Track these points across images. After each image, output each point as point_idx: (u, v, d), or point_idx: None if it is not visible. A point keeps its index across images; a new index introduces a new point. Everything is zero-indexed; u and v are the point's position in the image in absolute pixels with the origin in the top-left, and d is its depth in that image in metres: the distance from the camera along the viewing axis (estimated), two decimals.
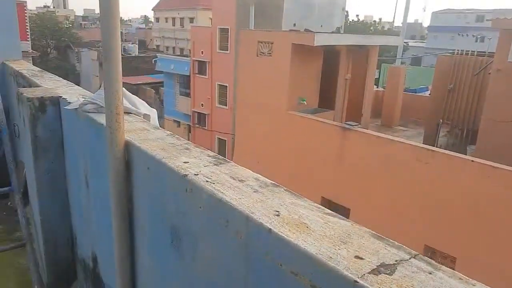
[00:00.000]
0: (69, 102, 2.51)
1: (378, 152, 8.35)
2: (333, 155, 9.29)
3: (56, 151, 2.75)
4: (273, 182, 1.32)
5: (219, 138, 27.64)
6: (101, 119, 2.08)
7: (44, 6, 66.54)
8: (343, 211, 9.51)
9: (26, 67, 4.11)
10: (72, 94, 2.72)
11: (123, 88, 2.34)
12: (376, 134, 8.40)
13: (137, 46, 39.58)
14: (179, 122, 31.01)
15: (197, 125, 29.12)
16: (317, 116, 9.77)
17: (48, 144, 2.71)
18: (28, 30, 33.57)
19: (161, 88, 32.28)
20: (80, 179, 2.52)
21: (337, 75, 10.70)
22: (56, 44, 44.61)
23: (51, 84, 3.22)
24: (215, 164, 1.45)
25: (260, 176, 1.35)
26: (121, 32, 48.27)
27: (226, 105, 26.25)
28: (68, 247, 2.97)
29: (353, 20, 47.32)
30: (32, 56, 34.35)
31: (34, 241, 3.04)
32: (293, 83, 9.86)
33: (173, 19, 43.18)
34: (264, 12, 24.14)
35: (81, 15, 69.72)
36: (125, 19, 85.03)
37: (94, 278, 2.57)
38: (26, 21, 33.45)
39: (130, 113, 2.23)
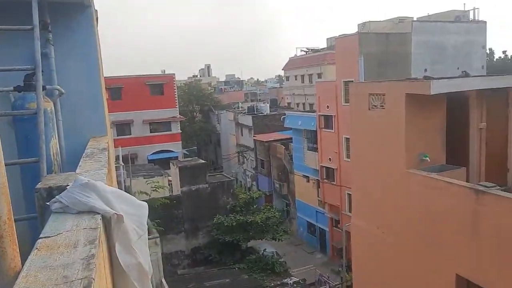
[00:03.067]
0: None
1: None
2: (467, 223, 7.62)
3: None
4: None
5: (349, 194, 26.26)
6: (56, 221, 1.74)
7: (193, 76, 76.03)
8: None
9: (96, 145, 4.20)
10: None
11: (96, 182, 2.00)
12: None
13: (268, 105, 41.52)
14: (308, 177, 30.67)
15: (325, 180, 28.33)
16: (444, 175, 8.26)
17: None
18: (176, 98, 38.45)
19: (290, 144, 32.74)
20: None
21: (468, 125, 9.06)
22: (200, 108, 49.83)
23: (87, 166, 3.10)
24: None
25: None
26: (255, 93, 52.12)
27: None
28: None
29: (500, 57, 41.88)
30: (180, 120, 39.04)
31: None
32: (411, 137, 8.64)
33: (302, 76, 44.43)
34: (391, 60, 22.98)
35: (223, 80, 77.38)
36: (261, 80, 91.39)
37: None
38: (175, 90, 38.48)
39: (98, 213, 1.85)
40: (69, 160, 4.68)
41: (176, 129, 37.21)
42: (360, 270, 11.59)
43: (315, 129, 28.50)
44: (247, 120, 38.18)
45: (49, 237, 1.57)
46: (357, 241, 11.51)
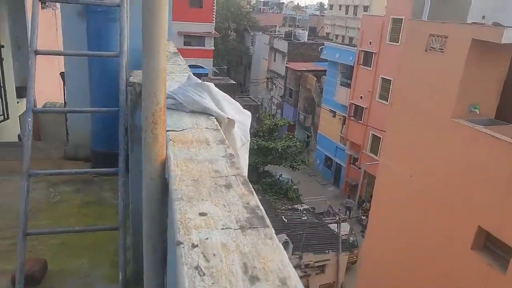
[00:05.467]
0: None
1: None
2: (503, 179, 7.54)
3: None
4: None
5: (374, 135, 26.10)
6: (174, 117, 1.75)
7: None
8: (504, 250, 7.80)
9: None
10: (172, 82, 2.47)
11: (209, 84, 1.97)
12: None
13: (306, 32, 39.89)
14: (335, 112, 30.37)
15: (352, 118, 28.06)
16: (491, 129, 8.03)
17: None
18: (214, 14, 37.21)
19: (323, 76, 31.99)
20: None
21: None
22: (236, 27, 48.33)
23: (169, 68, 3.07)
24: (241, 228, 0.93)
25: (291, 276, 0.78)
26: (294, 18, 49.89)
27: (387, 101, 24.50)
28: None
29: None
30: (214, 37, 38.09)
31: (127, 227, 2.99)
32: (466, 86, 8.28)
33: (347, 7, 42.04)
34: (447, 2, 21.32)
35: (263, 0, 73.91)
36: (301, 5, 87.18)
37: None
38: (214, 4, 37.10)
39: (211, 115, 1.84)
40: (133, 59, 4.65)
41: (209, 45, 36.50)
42: (379, 210, 11.86)
43: (352, 65, 27.59)
44: (283, 46, 37.07)
45: (176, 131, 1.59)
46: (382, 181, 11.63)
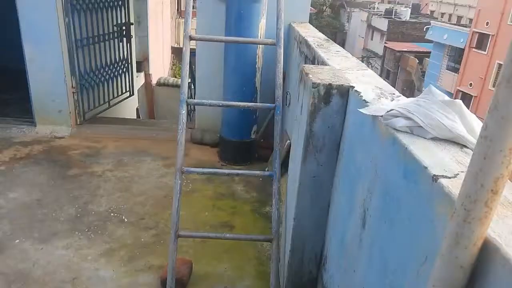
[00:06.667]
0: (363, 100, 1.82)
1: None
2: None
3: (329, 153, 2.17)
4: None
5: None
6: (418, 149, 1.30)
7: None
8: None
9: (311, 34, 3.70)
10: (367, 86, 2.02)
11: (458, 102, 1.47)
12: None
13: (409, 10, 36.88)
14: None
15: None
16: None
17: (322, 142, 2.15)
18: None
19: (426, 59, 29.49)
20: (354, 207, 1.86)
21: None
22: (331, 2, 46.39)
23: (338, 62, 2.61)
24: None
25: None
26: None
27: None
28: (315, 264, 2.46)
29: None
30: (310, 12, 36.96)
31: (281, 239, 2.67)
32: None
33: None
34: None
35: None
36: None
37: None
38: None
39: (464, 145, 1.36)
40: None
41: None
42: None
43: (462, 48, 24.95)
44: (382, 24, 34.77)
45: (447, 177, 1.13)
46: None
